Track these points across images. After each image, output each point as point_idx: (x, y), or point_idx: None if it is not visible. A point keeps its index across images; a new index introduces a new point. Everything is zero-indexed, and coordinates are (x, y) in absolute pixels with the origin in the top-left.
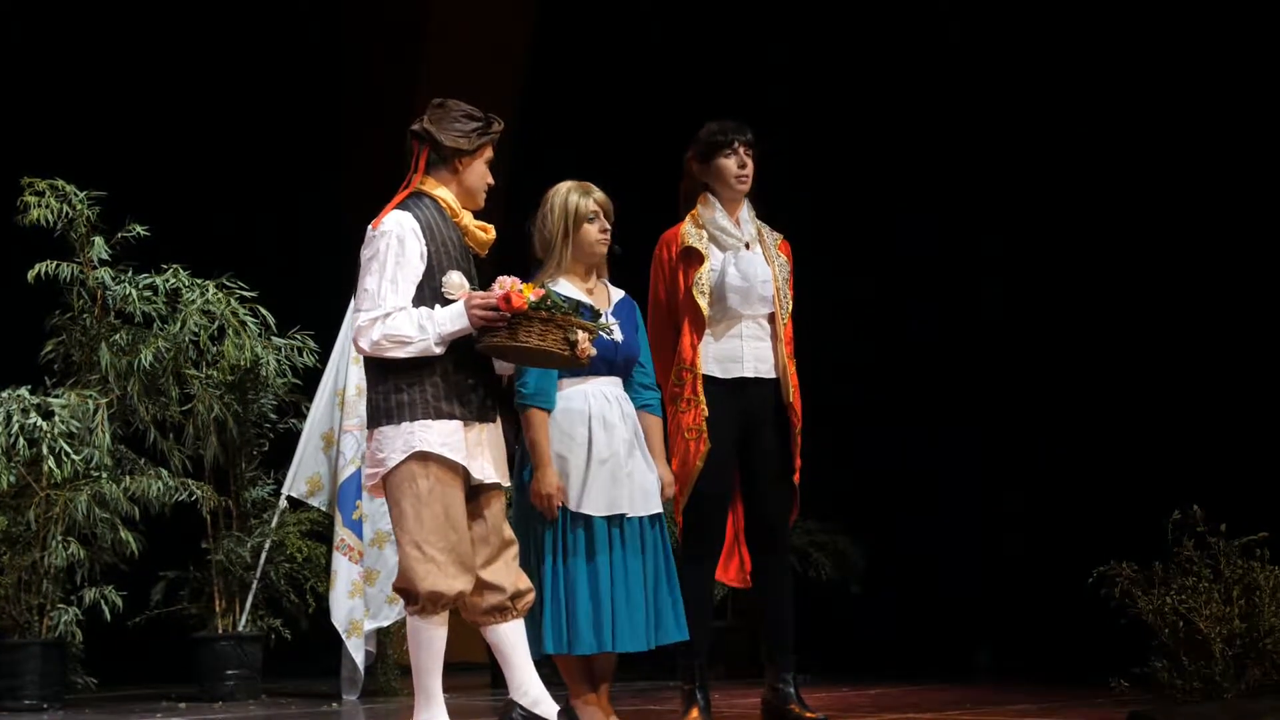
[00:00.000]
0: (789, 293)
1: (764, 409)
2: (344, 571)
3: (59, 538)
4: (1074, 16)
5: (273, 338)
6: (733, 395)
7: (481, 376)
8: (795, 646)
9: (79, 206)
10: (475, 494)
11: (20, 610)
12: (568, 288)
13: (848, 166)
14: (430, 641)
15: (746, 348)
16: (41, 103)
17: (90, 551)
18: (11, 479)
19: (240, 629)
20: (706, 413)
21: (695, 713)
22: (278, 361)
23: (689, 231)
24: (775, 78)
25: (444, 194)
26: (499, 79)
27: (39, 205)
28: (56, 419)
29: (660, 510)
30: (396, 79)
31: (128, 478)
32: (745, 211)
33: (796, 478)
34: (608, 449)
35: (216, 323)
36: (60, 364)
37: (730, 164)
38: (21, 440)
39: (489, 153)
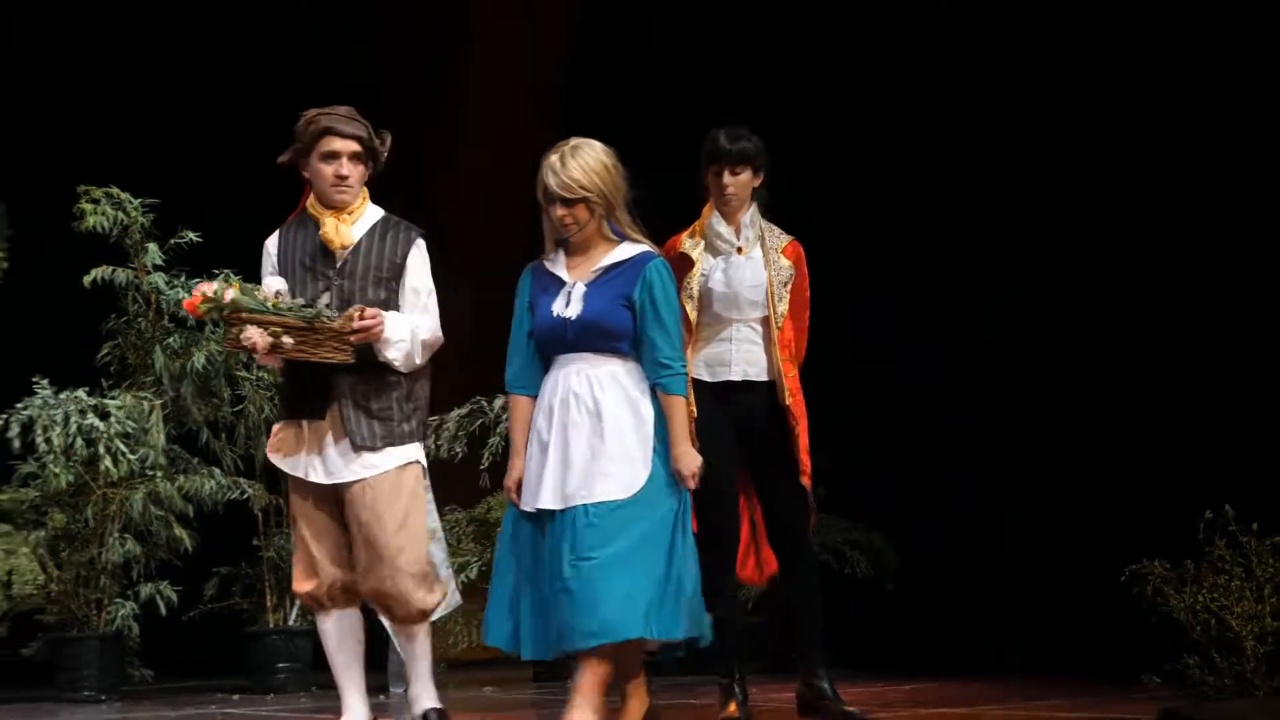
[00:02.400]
0: (787, 295)
1: (758, 412)
2: None
3: (116, 535)
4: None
5: None
6: (721, 398)
7: (312, 377)
8: (828, 642)
9: (133, 214)
10: (344, 494)
11: (79, 605)
12: (555, 263)
13: (854, 163)
14: (323, 637)
15: (736, 352)
16: (96, 113)
17: (146, 548)
18: (70, 478)
19: (290, 624)
20: (695, 414)
21: (733, 707)
22: None
23: (685, 238)
24: (812, 80)
25: (311, 201)
26: (542, 79)
27: (95, 212)
28: (113, 420)
29: (615, 498)
30: (435, 83)
31: (181, 476)
32: (748, 216)
33: (806, 480)
34: (544, 436)
35: None
36: (116, 366)
37: (718, 181)
38: (79, 440)
39: (324, 147)
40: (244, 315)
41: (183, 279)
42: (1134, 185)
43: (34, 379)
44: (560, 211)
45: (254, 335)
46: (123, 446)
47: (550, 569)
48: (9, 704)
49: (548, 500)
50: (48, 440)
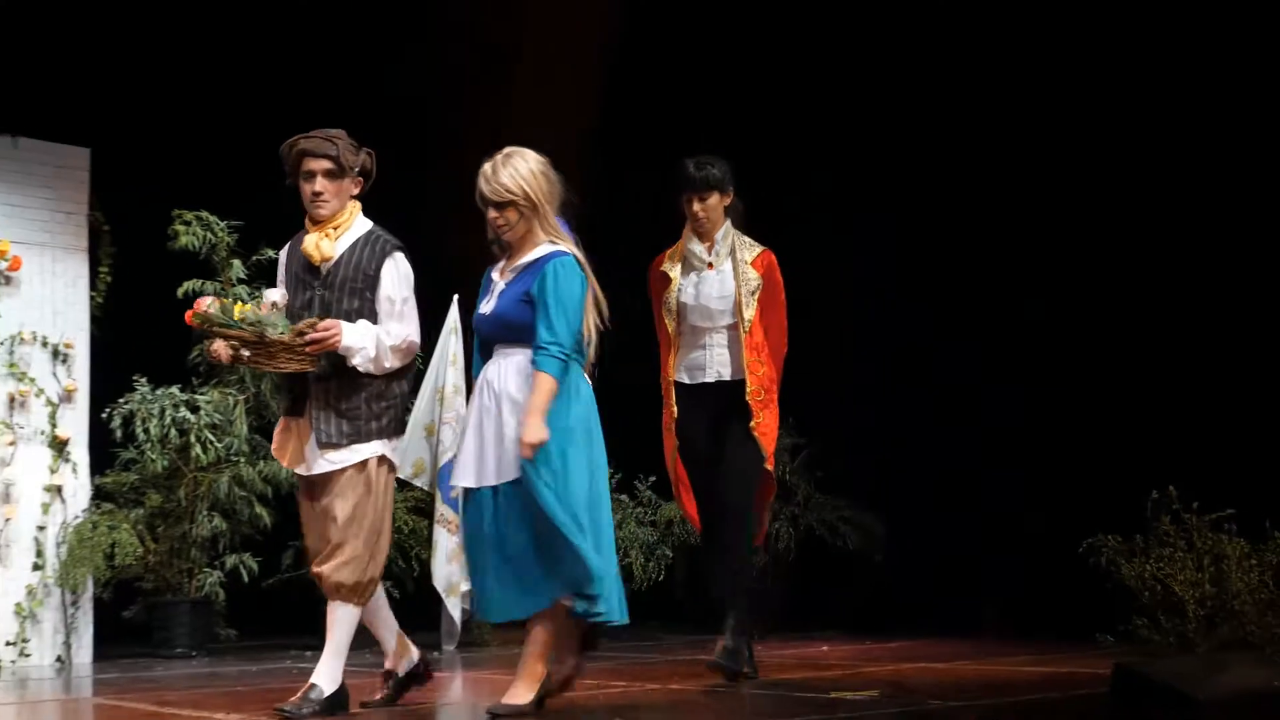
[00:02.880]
0: (755, 303)
1: (729, 406)
2: (443, 542)
3: (205, 512)
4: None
5: None
6: (698, 398)
7: (297, 380)
8: (738, 605)
9: (220, 234)
10: (316, 486)
11: (173, 574)
12: (495, 266)
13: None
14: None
15: (711, 356)
16: (188, 142)
17: (231, 524)
18: (165, 463)
19: None
20: (675, 413)
21: (720, 645)
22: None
23: (666, 258)
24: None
25: (307, 217)
26: (581, 102)
27: (187, 233)
28: (202, 413)
29: (513, 477)
30: (487, 110)
31: (261, 462)
32: (720, 234)
33: (770, 463)
34: (468, 420)
35: None
36: (205, 367)
37: (689, 208)
38: (173, 430)
39: (302, 167)
40: (213, 329)
41: (261, 290)
42: (1095, 184)
43: (134, 377)
44: (492, 214)
45: (218, 347)
46: (211, 436)
47: (480, 543)
48: (111, 660)
49: (468, 479)
50: (146, 430)
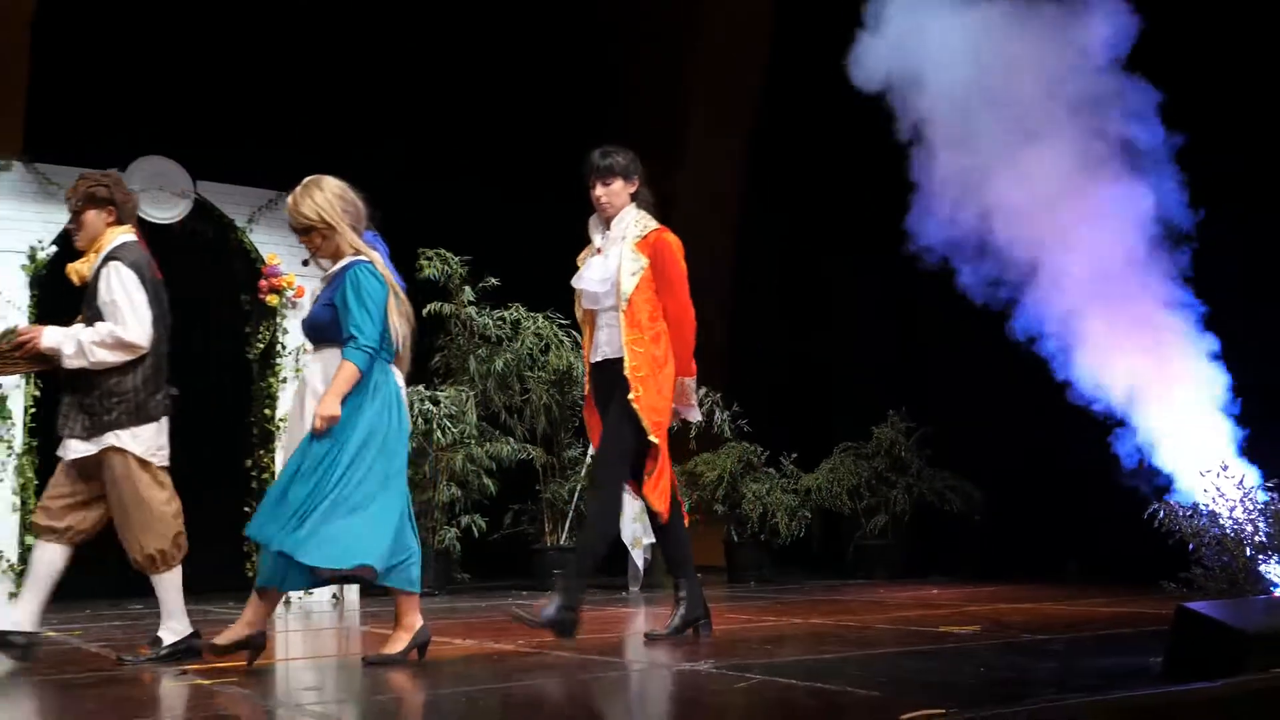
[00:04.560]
0: (635, 282)
1: (614, 381)
2: (628, 505)
3: (444, 483)
4: None
5: (579, 350)
6: (597, 375)
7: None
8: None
9: (454, 266)
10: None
11: (420, 530)
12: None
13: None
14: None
15: (602, 336)
16: (429, 197)
17: (464, 492)
18: (413, 444)
19: (561, 543)
20: (587, 389)
21: (547, 601)
22: (582, 366)
23: (586, 246)
24: None
25: None
26: (731, 149)
27: (429, 266)
28: (441, 405)
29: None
30: (660, 140)
31: (488, 443)
32: (618, 218)
33: (654, 434)
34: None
35: (544, 341)
36: (443, 369)
37: (592, 193)
38: (420, 419)
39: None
40: None
41: (487, 310)
42: None
43: None
44: (301, 239)
45: None
46: (448, 423)
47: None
48: (373, 596)
49: (281, 460)
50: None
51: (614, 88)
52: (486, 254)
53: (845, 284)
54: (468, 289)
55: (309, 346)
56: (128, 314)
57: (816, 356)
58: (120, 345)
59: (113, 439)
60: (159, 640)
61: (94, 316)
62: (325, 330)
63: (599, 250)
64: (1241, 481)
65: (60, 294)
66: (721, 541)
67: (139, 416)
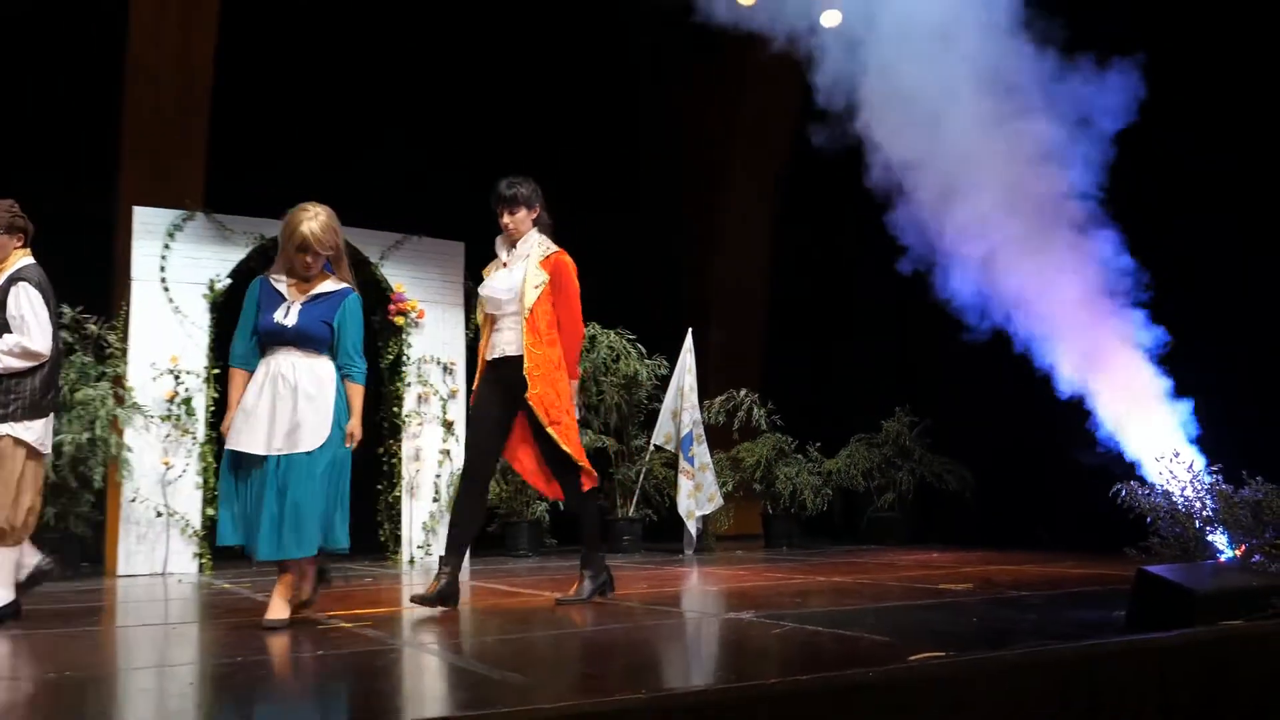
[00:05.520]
0: (537, 294)
1: (514, 378)
2: (683, 485)
3: None
4: None
5: (645, 360)
6: (494, 370)
7: None
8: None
9: None
10: None
11: (517, 504)
12: (279, 282)
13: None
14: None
15: (502, 338)
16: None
17: None
18: None
19: (630, 515)
20: (477, 383)
21: (432, 586)
22: (648, 372)
23: (492, 260)
24: None
25: None
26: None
27: None
28: None
29: (306, 449)
30: (705, 177)
31: None
32: (523, 239)
33: (553, 429)
34: (251, 400)
35: (614, 353)
36: None
37: (500, 219)
38: None
39: None
40: None
41: None
42: None
43: None
44: (309, 259)
45: None
46: None
47: (255, 496)
48: (479, 557)
49: (256, 447)
50: None
51: (674, 127)
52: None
53: (858, 302)
54: None
55: (288, 346)
56: (34, 327)
57: (836, 362)
58: (26, 354)
59: (7, 429)
60: None
61: (5, 328)
62: (316, 343)
63: (505, 264)
64: (1190, 465)
65: (229, 317)
66: (759, 514)
67: (29, 413)
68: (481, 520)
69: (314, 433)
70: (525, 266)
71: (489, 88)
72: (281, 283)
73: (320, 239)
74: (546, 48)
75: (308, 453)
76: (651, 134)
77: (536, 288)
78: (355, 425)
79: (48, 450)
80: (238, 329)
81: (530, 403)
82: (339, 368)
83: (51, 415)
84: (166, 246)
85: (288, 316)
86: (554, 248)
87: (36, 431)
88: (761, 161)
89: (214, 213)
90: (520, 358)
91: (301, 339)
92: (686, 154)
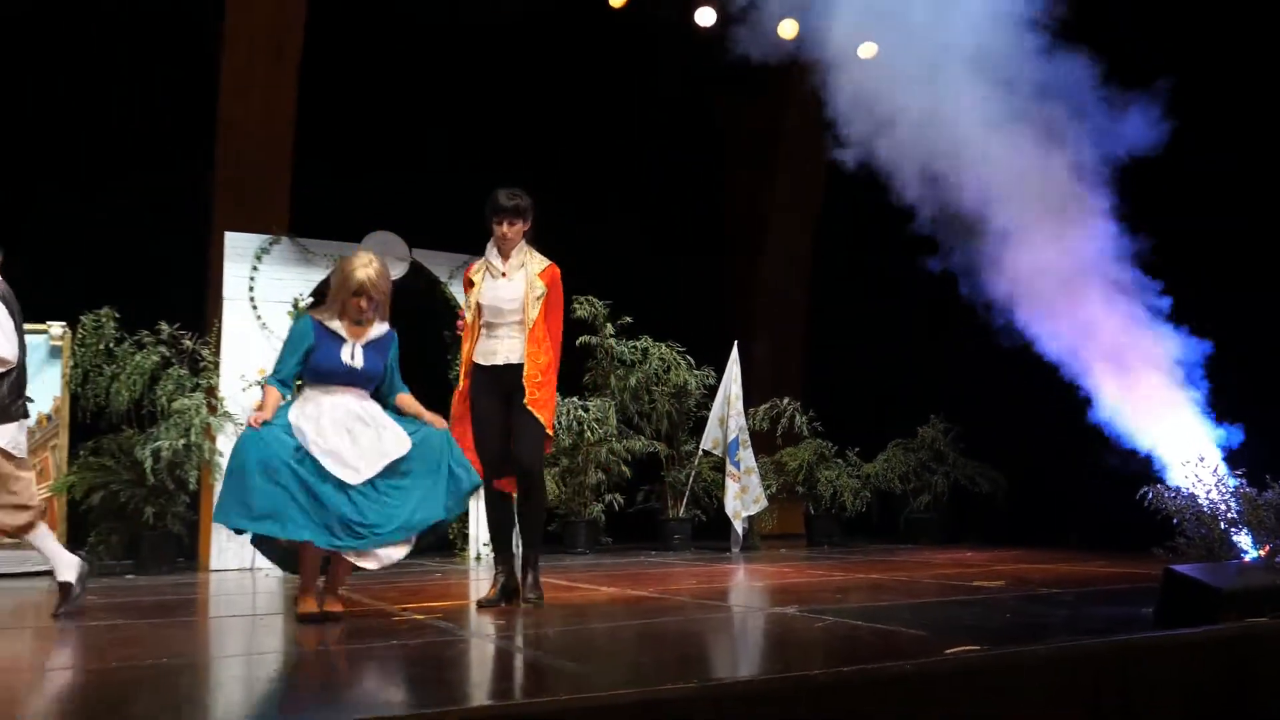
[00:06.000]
0: (539, 305)
1: (514, 384)
2: (730, 487)
3: (592, 469)
4: None
5: (694, 370)
6: (492, 377)
7: None
8: (537, 543)
9: (599, 308)
10: None
11: (575, 504)
12: (332, 323)
13: None
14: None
15: (501, 345)
16: (581, 252)
17: (607, 476)
18: (568, 441)
19: (681, 515)
20: (467, 386)
21: (492, 591)
22: (696, 382)
23: (475, 266)
24: None
25: None
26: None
27: (581, 308)
28: (590, 412)
29: (399, 455)
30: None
31: (624, 440)
32: (516, 250)
33: (550, 428)
34: (331, 436)
35: (665, 364)
36: (591, 385)
37: (498, 229)
38: (574, 423)
39: None
40: None
41: (624, 340)
42: None
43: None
44: (363, 303)
45: None
46: (595, 425)
47: (331, 501)
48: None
49: (355, 478)
50: (558, 421)
51: (717, 170)
52: (622, 298)
53: (894, 315)
54: (609, 325)
55: (349, 385)
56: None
57: (874, 371)
58: None
59: None
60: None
61: None
62: (375, 381)
63: (503, 274)
64: (1215, 470)
65: None
66: (802, 515)
67: (3, 417)
68: (514, 518)
69: (398, 441)
70: (525, 277)
71: (549, 116)
72: (336, 324)
73: (376, 284)
74: (602, 78)
75: (403, 456)
76: (702, 160)
77: (538, 299)
78: (433, 416)
79: (22, 454)
80: (284, 354)
81: (531, 409)
82: (392, 390)
83: (24, 421)
84: (254, 268)
85: (354, 359)
86: (547, 260)
87: (8, 436)
88: (802, 191)
89: (297, 237)
90: (521, 365)
91: (363, 379)
92: (732, 195)
